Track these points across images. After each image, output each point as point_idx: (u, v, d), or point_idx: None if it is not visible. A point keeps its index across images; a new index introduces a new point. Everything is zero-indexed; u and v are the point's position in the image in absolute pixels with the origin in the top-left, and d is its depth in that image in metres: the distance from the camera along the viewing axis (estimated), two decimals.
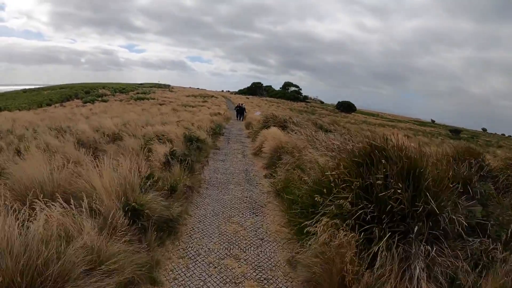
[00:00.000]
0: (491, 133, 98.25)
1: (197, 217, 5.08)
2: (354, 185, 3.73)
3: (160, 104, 43.04)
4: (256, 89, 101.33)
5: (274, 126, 12.33)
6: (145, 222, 3.76)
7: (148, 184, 4.43)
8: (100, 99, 52.16)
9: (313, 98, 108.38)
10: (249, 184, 7.20)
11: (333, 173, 3.98)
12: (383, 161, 3.80)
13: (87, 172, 4.20)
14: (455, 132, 58.47)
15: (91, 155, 6.73)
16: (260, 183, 7.35)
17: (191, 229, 4.64)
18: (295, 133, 9.30)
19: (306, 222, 3.75)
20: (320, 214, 3.76)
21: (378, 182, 3.63)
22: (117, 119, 16.21)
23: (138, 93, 65.83)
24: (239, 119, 27.28)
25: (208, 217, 5.11)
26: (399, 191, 3.45)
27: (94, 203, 3.56)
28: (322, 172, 4.48)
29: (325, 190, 3.91)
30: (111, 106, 39.54)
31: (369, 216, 3.47)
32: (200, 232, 4.56)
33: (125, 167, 4.38)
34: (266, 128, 12.44)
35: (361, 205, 3.60)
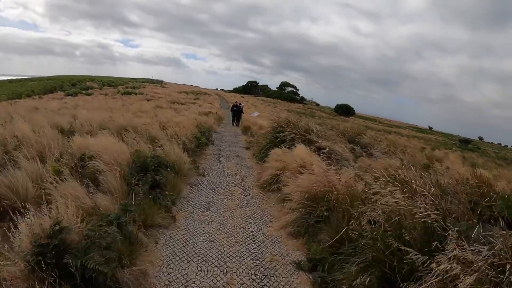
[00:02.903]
0: (488, 142, 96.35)
1: None
2: None
3: (148, 100, 38.71)
4: (251, 88, 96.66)
5: (292, 135, 7.88)
6: None
7: None
8: (84, 92, 49.09)
9: (308, 99, 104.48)
10: None
11: None
12: None
13: None
14: (465, 142, 54.61)
15: None
16: None
17: None
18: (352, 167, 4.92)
19: None
20: None
21: None
22: (68, 118, 11.74)
23: (127, 87, 62.13)
24: (235, 125, 20.18)
25: None
26: None
27: None
28: None
29: None
30: (92, 100, 35.04)
31: None
32: None
33: None
34: (279, 142, 8.00)
35: None
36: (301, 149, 6.28)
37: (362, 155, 8.17)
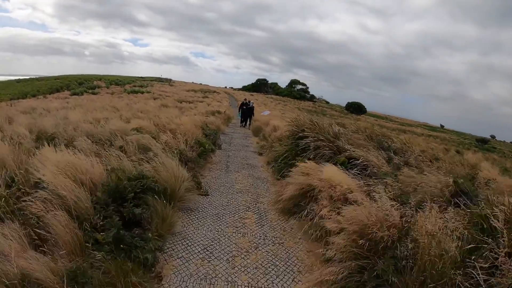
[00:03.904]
0: (501, 141, 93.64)
1: None
2: None
3: (154, 99, 37.65)
4: (261, 86, 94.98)
5: (318, 143, 6.29)
6: None
7: None
8: (90, 91, 48.90)
9: (318, 97, 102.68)
10: None
11: None
12: None
13: None
14: (482, 141, 52.27)
15: None
16: None
17: None
18: None
19: None
20: None
21: None
22: (58, 120, 10.48)
23: (134, 86, 61.66)
24: (245, 125, 17.58)
25: None
26: None
27: None
28: None
29: None
30: (96, 100, 34.04)
31: None
32: None
33: None
34: (302, 151, 6.48)
35: None
36: (332, 171, 4.69)
37: (401, 166, 6.62)
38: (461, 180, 6.01)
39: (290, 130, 7.66)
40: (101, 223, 2.95)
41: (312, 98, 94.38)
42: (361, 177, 4.99)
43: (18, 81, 65.34)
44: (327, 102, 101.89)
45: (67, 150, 4.39)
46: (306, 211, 4.40)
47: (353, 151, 6.04)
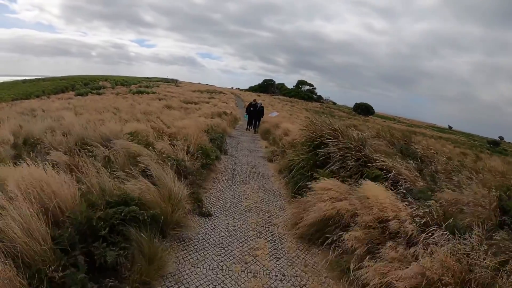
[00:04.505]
0: (509, 142, 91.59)
1: None
2: None
3: (159, 99, 37.02)
4: (268, 87, 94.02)
5: (344, 152, 5.34)
6: None
7: None
8: (95, 91, 48.54)
9: (325, 98, 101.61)
10: None
11: None
12: None
13: None
14: (494, 144, 50.82)
15: None
16: None
17: None
18: None
19: None
20: None
21: None
22: (51, 123, 9.73)
23: (140, 86, 61.34)
24: (252, 129, 16.00)
25: None
26: None
27: None
28: None
29: None
30: (100, 100, 33.43)
31: None
32: None
33: None
34: (323, 161, 5.55)
35: None
36: (375, 190, 3.76)
37: (437, 180, 5.64)
38: (506, 196, 5.05)
39: (306, 136, 6.71)
40: (60, 274, 2.08)
41: (319, 98, 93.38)
42: (400, 196, 4.08)
43: (24, 81, 65.58)
44: (334, 103, 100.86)
45: (37, 163, 3.57)
46: (333, 240, 3.50)
47: (383, 162, 5.12)
